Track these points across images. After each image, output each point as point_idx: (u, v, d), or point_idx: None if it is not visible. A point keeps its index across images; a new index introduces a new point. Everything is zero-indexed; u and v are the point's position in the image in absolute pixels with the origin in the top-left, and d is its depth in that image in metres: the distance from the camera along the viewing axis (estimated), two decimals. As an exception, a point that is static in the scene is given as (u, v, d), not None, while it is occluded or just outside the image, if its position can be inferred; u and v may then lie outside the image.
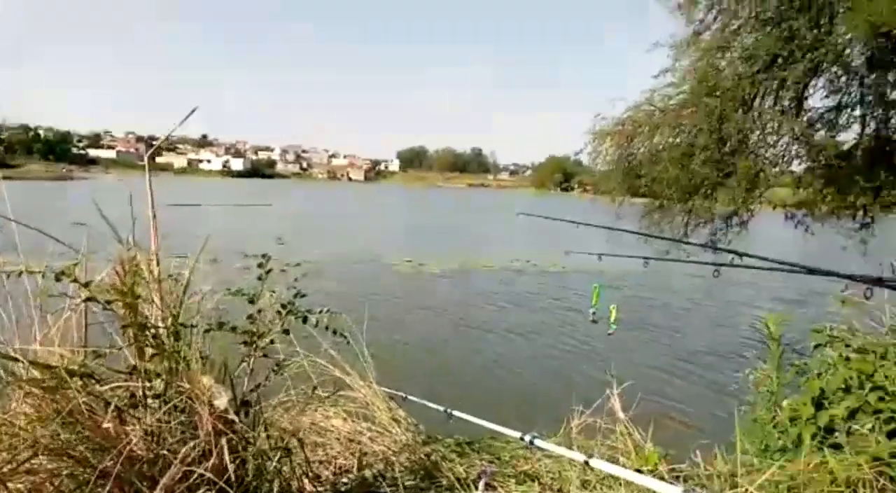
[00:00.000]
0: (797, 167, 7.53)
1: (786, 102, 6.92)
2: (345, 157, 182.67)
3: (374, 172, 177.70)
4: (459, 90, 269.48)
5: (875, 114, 7.12)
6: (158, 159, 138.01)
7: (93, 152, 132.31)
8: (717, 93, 6.46)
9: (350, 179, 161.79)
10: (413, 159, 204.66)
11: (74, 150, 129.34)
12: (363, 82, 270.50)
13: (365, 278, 16.39)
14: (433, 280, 16.52)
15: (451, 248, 23.66)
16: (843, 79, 6.79)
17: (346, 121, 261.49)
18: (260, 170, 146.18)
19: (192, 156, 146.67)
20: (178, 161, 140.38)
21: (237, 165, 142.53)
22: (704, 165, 6.57)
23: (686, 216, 7.45)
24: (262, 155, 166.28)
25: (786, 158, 7.15)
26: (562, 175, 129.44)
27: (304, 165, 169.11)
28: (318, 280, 15.41)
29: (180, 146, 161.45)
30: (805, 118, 7.38)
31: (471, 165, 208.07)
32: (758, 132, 6.67)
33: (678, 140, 6.80)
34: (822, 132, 7.28)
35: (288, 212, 40.53)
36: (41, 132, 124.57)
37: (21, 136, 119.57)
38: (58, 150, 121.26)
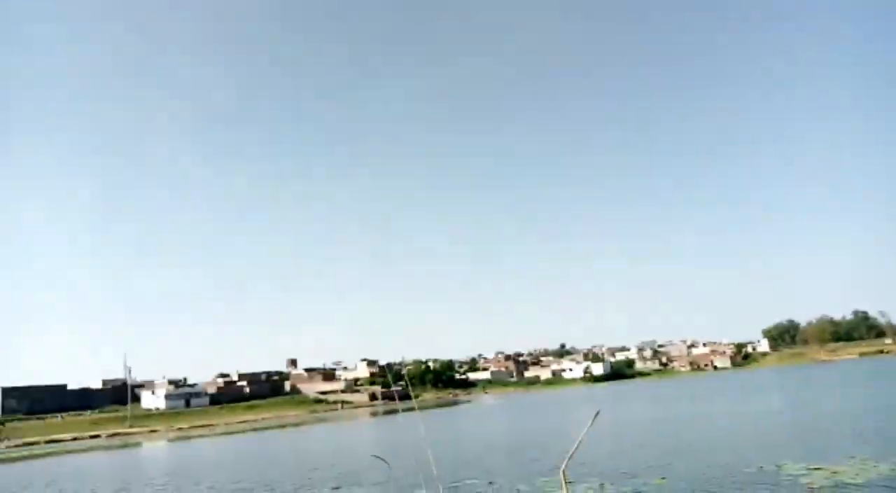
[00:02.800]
0: None
1: None
2: (704, 345, 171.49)
3: (742, 356, 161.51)
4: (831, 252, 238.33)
5: None
6: (526, 373, 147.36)
7: (471, 375, 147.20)
8: None
9: (715, 367, 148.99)
10: (782, 335, 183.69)
11: (456, 375, 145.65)
12: (714, 264, 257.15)
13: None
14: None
15: (869, 444, 18.03)
16: None
17: (702, 308, 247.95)
18: (620, 371, 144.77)
19: (554, 366, 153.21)
20: (544, 373, 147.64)
21: (598, 369, 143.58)
22: None
23: None
24: (620, 356, 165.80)
25: None
26: None
27: (664, 359, 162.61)
28: None
29: (543, 359, 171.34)
30: None
31: (857, 331, 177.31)
32: None
33: None
34: None
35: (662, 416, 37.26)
36: (430, 364, 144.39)
37: (415, 369, 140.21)
38: (444, 377, 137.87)
